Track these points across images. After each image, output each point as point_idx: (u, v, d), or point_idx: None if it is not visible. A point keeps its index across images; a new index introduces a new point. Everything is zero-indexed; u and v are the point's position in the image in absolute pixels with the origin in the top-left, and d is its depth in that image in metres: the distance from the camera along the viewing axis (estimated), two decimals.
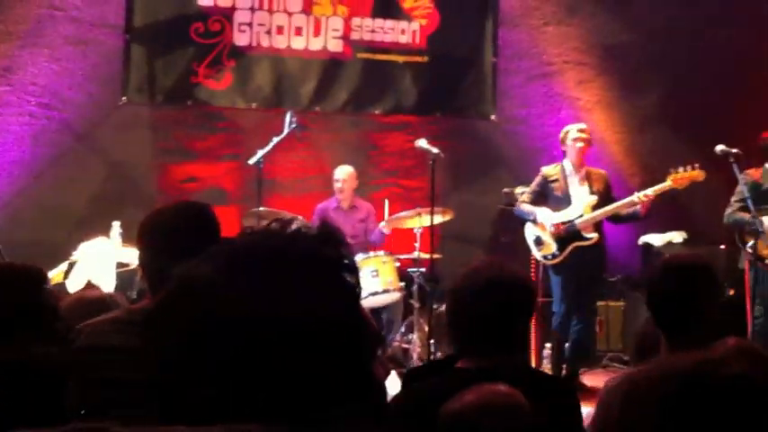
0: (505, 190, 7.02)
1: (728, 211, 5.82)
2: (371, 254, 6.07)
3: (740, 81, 7.58)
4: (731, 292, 6.56)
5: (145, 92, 6.84)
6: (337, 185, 6.66)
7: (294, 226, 1.09)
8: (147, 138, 6.94)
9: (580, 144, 6.00)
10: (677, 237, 6.66)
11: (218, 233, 2.24)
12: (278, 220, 1.10)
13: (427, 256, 6.13)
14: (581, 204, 5.91)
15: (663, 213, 6.66)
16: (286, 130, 6.10)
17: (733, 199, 5.83)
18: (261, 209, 5.86)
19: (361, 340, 1.04)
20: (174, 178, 6.89)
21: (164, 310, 1.05)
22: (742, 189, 5.75)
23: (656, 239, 6.69)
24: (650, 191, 5.77)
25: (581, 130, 6.06)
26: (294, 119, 6.20)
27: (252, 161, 5.93)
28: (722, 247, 6.62)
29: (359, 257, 6.01)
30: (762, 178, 5.83)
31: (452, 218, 6.58)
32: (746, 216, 5.64)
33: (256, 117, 7.02)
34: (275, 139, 6.05)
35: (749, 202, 5.54)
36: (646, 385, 1.15)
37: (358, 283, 1.07)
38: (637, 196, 5.76)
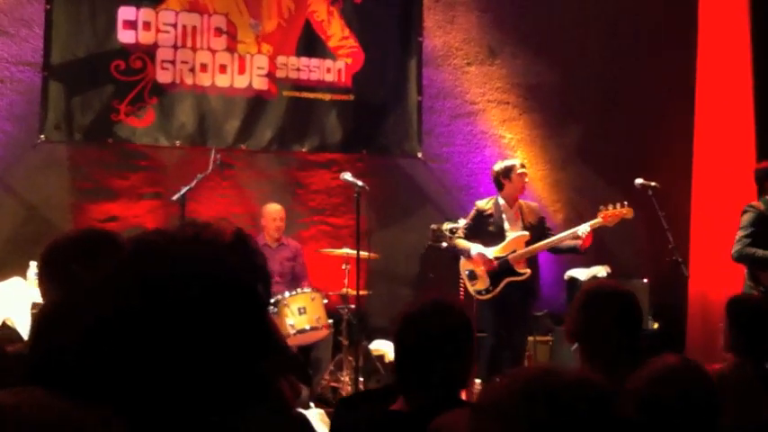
0: (433, 226, 7.04)
1: (738, 246, 5.53)
2: (299, 291, 5.98)
3: (658, 122, 7.83)
4: (655, 326, 6.69)
5: (63, 130, 6.65)
6: (276, 223, 6.59)
7: (209, 230, 1.05)
8: (65, 176, 6.74)
9: (527, 179, 6.10)
10: (601, 271, 6.77)
11: None
12: (192, 223, 1.06)
13: (355, 292, 6.07)
14: (514, 239, 5.94)
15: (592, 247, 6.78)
16: (210, 168, 6.01)
17: (741, 233, 5.58)
18: None
19: (258, 349, 1.00)
20: (94, 218, 6.68)
21: (60, 308, 1.01)
22: (750, 221, 5.53)
23: (580, 274, 6.79)
24: (587, 226, 5.83)
25: (523, 165, 6.15)
26: (218, 156, 6.12)
27: (175, 198, 5.80)
28: (645, 280, 6.75)
29: (286, 295, 5.92)
30: (766, 210, 5.63)
31: (380, 255, 6.56)
32: (760, 251, 5.43)
33: (180, 155, 6.90)
34: (199, 176, 5.95)
35: None
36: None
37: (267, 291, 1.03)
38: (580, 230, 5.81)
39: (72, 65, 6.69)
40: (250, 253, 1.04)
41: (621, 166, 7.11)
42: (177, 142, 6.88)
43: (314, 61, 7.22)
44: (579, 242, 5.80)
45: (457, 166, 7.61)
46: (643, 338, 6.36)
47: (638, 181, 5.82)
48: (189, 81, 6.90)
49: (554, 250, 6.05)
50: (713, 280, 6.72)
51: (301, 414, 2.18)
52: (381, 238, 6.70)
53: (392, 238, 7.04)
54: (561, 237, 5.91)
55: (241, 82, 7.02)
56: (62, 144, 6.70)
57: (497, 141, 7.75)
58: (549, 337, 6.93)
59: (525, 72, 7.85)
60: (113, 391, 0.92)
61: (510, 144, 7.76)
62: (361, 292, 6.31)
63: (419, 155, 7.49)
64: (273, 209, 6.65)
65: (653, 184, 5.73)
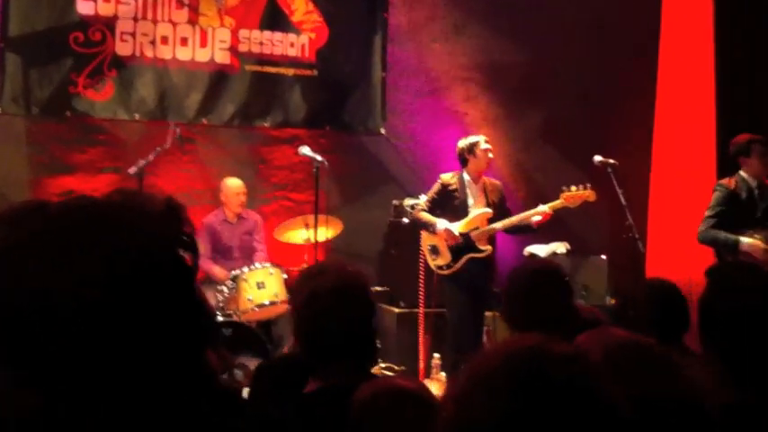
0: (395, 203, 7.04)
1: (703, 227, 5.46)
2: (258, 266, 5.95)
3: (620, 105, 7.87)
4: (613, 301, 6.74)
5: (20, 103, 6.54)
6: (239, 198, 6.54)
7: (138, 198, 1.02)
8: (22, 150, 6.63)
9: (491, 155, 6.07)
10: (560, 247, 6.81)
11: None
12: (120, 191, 1.03)
13: None
14: (477, 216, 5.95)
15: (546, 225, 6.81)
16: (169, 142, 5.95)
17: (707, 213, 5.49)
18: None
19: (179, 321, 0.97)
20: (52, 192, 6.58)
21: None
22: (717, 200, 5.44)
23: (540, 250, 6.83)
24: (548, 206, 5.85)
25: (488, 141, 6.13)
26: (179, 130, 6.05)
27: (132, 171, 5.74)
28: (603, 257, 6.81)
29: (245, 270, 5.89)
30: (737, 188, 5.51)
31: (342, 231, 6.55)
32: (722, 233, 5.35)
33: (140, 129, 6.81)
34: (157, 150, 5.89)
35: None
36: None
37: (194, 260, 1.01)
38: (542, 209, 5.83)
39: (30, 37, 6.56)
40: (181, 222, 1.02)
41: (583, 147, 7.11)
42: (137, 116, 6.80)
43: (277, 35, 7.15)
44: (537, 219, 5.80)
45: (420, 143, 7.61)
46: (601, 314, 6.40)
47: (597, 158, 5.84)
48: (149, 54, 6.80)
49: (509, 230, 6.06)
50: (671, 259, 6.80)
51: (229, 388, 2.14)
52: (343, 215, 6.68)
53: (354, 215, 7.02)
54: (524, 216, 5.91)
55: (203, 56, 6.94)
56: (19, 117, 6.58)
57: (461, 119, 7.75)
58: None
59: (490, 51, 7.85)
60: (46, 365, 0.90)
61: (474, 122, 7.76)
62: None
63: (382, 132, 7.47)
64: (235, 183, 6.61)
65: (611, 161, 5.76)
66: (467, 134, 6.93)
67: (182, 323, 0.98)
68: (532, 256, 6.72)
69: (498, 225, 5.91)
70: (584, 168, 6.35)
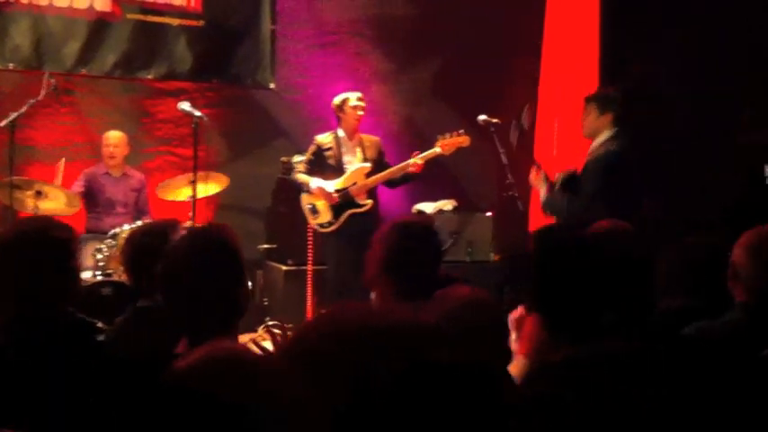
0: (283, 159, 6.97)
1: None
2: (139, 223, 5.80)
3: (507, 61, 7.94)
4: (496, 258, 6.93)
5: None
6: (108, 150, 6.37)
7: None
8: None
9: (361, 112, 6.16)
10: (448, 205, 6.90)
11: None
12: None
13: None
14: (354, 171, 6.03)
15: (433, 182, 6.89)
16: (43, 93, 5.69)
17: None
18: (14, 178, 5.43)
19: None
20: None
21: None
22: None
23: (427, 207, 6.90)
24: (419, 157, 5.99)
25: (360, 99, 6.18)
26: (53, 81, 5.79)
27: (2, 124, 5.48)
28: (489, 214, 6.93)
29: (126, 227, 5.75)
30: None
31: (230, 187, 6.44)
32: None
33: (14, 79, 6.49)
34: (31, 102, 5.63)
35: None
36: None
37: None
38: (413, 160, 5.96)
39: None
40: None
41: (472, 102, 7.18)
42: (11, 65, 6.47)
43: None
44: (411, 169, 5.96)
45: (311, 98, 7.51)
46: (484, 271, 6.55)
47: (481, 117, 5.89)
48: (24, 0, 6.46)
49: (391, 183, 6.18)
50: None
51: None
52: (231, 170, 6.56)
53: (243, 171, 6.92)
54: (396, 168, 6.05)
55: (82, 2, 6.63)
56: None
57: (352, 74, 7.68)
58: None
59: (382, 4, 7.78)
60: None
61: (364, 77, 7.71)
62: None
63: (272, 86, 7.34)
64: (107, 135, 6.44)
65: (495, 120, 5.82)
66: (357, 89, 6.91)
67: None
68: (420, 212, 6.79)
69: (376, 178, 6.02)
70: (474, 124, 6.42)
